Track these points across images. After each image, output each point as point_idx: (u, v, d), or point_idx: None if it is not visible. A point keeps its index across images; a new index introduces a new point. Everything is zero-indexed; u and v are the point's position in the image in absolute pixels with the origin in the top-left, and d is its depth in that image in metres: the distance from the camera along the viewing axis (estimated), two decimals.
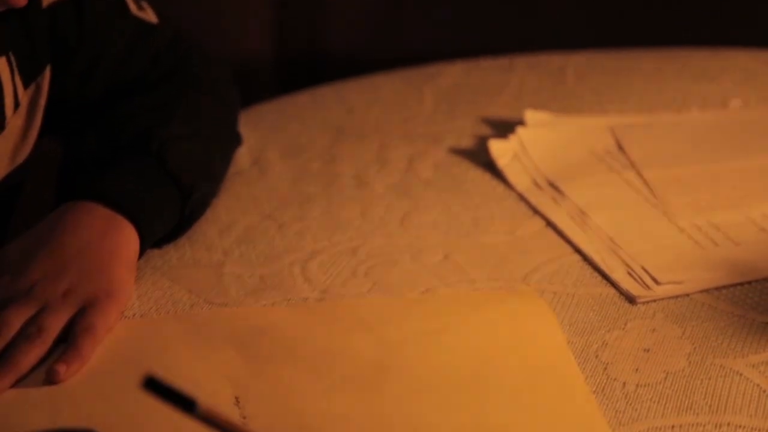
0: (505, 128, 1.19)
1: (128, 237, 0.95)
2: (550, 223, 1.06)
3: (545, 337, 0.91)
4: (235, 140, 1.14)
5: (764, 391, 0.85)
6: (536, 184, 1.12)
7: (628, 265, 0.99)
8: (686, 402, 0.84)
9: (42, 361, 0.87)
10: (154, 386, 0.60)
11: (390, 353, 0.89)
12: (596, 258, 1.01)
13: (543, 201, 1.09)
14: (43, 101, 1.00)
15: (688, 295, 0.96)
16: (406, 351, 0.89)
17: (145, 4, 1.08)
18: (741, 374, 0.87)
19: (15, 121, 0.97)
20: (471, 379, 0.87)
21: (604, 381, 0.87)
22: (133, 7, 1.07)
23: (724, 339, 0.91)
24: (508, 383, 0.86)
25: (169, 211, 1.00)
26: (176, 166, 1.00)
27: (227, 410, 0.82)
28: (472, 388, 0.86)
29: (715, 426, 0.82)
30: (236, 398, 0.84)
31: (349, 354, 0.89)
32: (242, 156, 1.16)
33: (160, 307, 0.95)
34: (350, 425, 0.82)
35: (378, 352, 0.89)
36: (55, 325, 0.88)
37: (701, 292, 0.96)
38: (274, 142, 1.20)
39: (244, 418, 0.83)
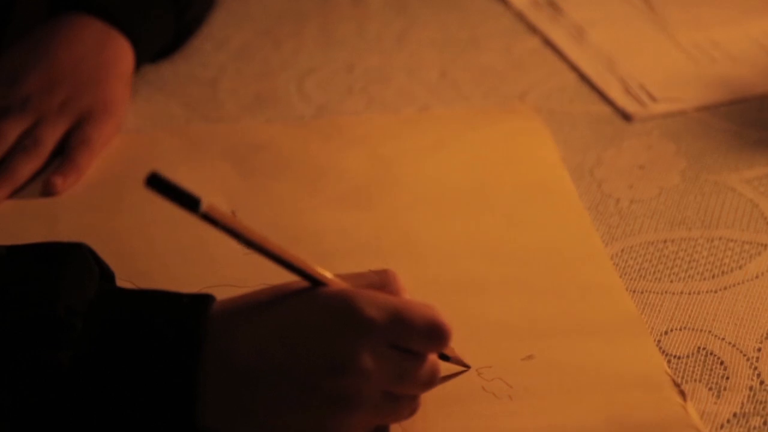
0: None
1: (123, 51, 0.95)
2: (547, 41, 1.06)
3: (540, 154, 0.92)
4: None
5: (756, 206, 0.85)
6: (534, 2, 1.11)
7: (625, 82, 0.99)
8: (679, 217, 0.85)
9: (39, 173, 0.88)
10: (158, 183, 0.58)
11: (385, 169, 0.89)
12: (593, 75, 1.00)
13: (541, 18, 1.08)
14: None
15: (684, 112, 0.96)
16: (401, 167, 0.90)
17: None
18: (734, 189, 0.87)
19: None
20: (465, 194, 0.87)
21: (599, 197, 0.87)
22: None
23: (719, 155, 0.91)
24: (503, 199, 0.87)
25: (163, 25, 0.99)
26: None
27: None
28: (466, 203, 0.86)
29: (707, 240, 0.83)
30: (232, 212, 0.85)
31: (344, 170, 0.89)
32: None
33: (156, 122, 0.95)
34: (344, 238, 0.83)
35: (373, 168, 0.89)
36: (51, 137, 0.88)
37: (698, 109, 0.96)
38: None
39: None
